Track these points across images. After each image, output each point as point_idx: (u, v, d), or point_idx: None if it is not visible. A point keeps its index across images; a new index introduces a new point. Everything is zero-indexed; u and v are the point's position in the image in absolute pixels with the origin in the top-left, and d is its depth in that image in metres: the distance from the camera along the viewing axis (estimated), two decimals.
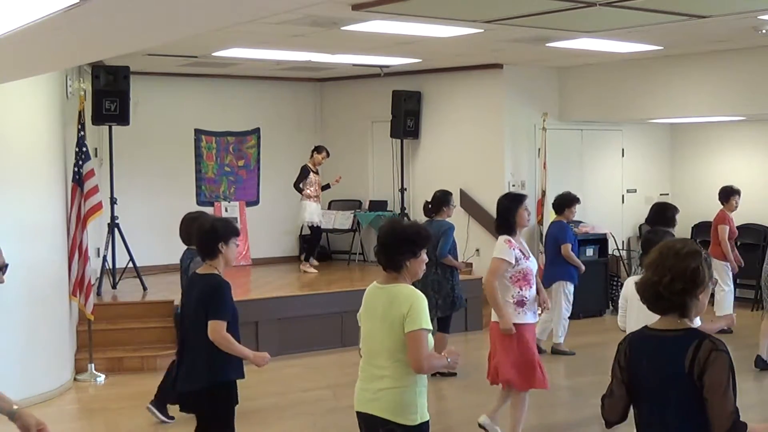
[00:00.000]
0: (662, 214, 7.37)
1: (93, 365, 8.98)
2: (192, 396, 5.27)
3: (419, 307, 4.18)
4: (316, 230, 12.30)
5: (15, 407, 3.77)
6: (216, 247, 5.21)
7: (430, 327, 4.21)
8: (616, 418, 3.45)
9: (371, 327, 4.33)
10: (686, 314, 3.25)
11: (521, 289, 6.47)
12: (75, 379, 8.88)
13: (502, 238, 6.55)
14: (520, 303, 6.47)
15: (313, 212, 12.16)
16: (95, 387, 8.85)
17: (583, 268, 9.89)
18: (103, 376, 8.98)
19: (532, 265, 6.60)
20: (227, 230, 5.26)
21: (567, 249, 9.69)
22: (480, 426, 6.80)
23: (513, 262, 6.43)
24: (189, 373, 5.27)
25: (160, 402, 7.53)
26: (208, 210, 12.97)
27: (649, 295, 3.27)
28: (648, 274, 3.29)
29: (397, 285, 4.29)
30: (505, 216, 6.60)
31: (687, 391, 3.17)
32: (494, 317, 6.58)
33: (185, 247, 7.05)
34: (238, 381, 5.33)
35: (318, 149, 12.27)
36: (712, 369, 3.13)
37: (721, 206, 10.72)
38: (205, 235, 5.28)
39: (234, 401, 5.30)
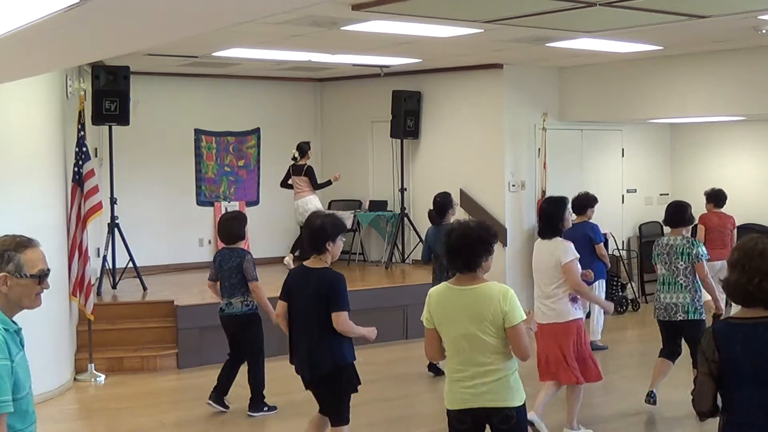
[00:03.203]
0: (682, 214, 7.43)
1: (93, 365, 8.98)
2: (318, 380, 5.72)
3: (515, 299, 4.43)
4: None
5: None
6: (324, 245, 5.57)
7: (524, 315, 4.45)
8: (706, 408, 3.61)
9: (462, 329, 4.46)
10: None
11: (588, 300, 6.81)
12: (75, 379, 8.88)
13: (557, 240, 6.73)
14: (574, 299, 6.70)
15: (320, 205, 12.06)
16: (95, 387, 8.85)
17: (609, 264, 10.15)
18: (103, 376, 8.98)
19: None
20: (335, 229, 5.61)
21: (601, 248, 9.84)
22: (529, 423, 6.85)
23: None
24: (313, 361, 5.65)
25: (219, 395, 7.77)
26: (209, 210, 12.99)
27: (740, 294, 3.50)
28: (735, 275, 3.51)
29: (483, 284, 4.47)
30: (553, 221, 6.77)
31: None
32: (543, 319, 6.69)
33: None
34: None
35: (308, 145, 12.15)
36: None
37: (721, 209, 10.75)
38: (314, 233, 5.62)
39: (355, 382, 5.75)
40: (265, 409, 7.70)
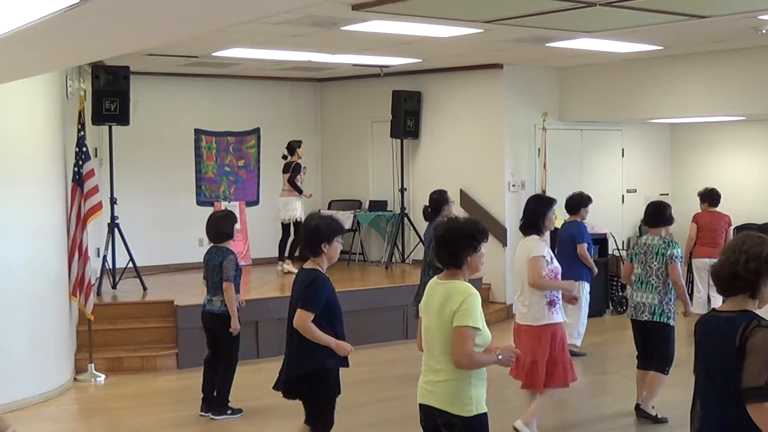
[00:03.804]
0: (662, 214, 7.37)
1: (93, 365, 8.97)
2: (290, 382, 5.58)
3: (471, 304, 4.27)
4: (297, 226, 12.02)
5: (10, 430, 3.79)
6: (319, 246, 5.45)
7: (479, 325, 4.28)
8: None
9: (429, 322, 4.46)
10: (756, 294, 3.49)
11: (552, 290, 6.56)
12: (75, 379, 8.88)
13: (532, 237, 6.63)
14: (552, 303, 6.54)
15: (301, 208, 11.89)
16: (95, 387, 8.85)
17: (596, 270, 9.79)
18: (103, 376, 8.98)
19: (559, 266, 6.68)
20: (330, 231, 5.48)
21: (583, 249, 9.56)
22: (515, 430, 6.74)
23: (549, 258, 6.54)
24: (288, 362, 5.56)
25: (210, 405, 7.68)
26: (209, 210, 12.99)
27: (727, 273, 3.49)
28: (724, 256, 3.55)
29: (454, 282, 4.40)
30: (534, 218, 6.68)
31: (735, 368, 3.37)
32: (520, 320, 6.61)
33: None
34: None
35: (298, 143, 12.09)
36: (752, 339, 3.36)
37: (715, 208, 10.78)
38: (309, 234, 5.53)
39: (333, 389, 5.55)
40: (229, 412, 7.61)
